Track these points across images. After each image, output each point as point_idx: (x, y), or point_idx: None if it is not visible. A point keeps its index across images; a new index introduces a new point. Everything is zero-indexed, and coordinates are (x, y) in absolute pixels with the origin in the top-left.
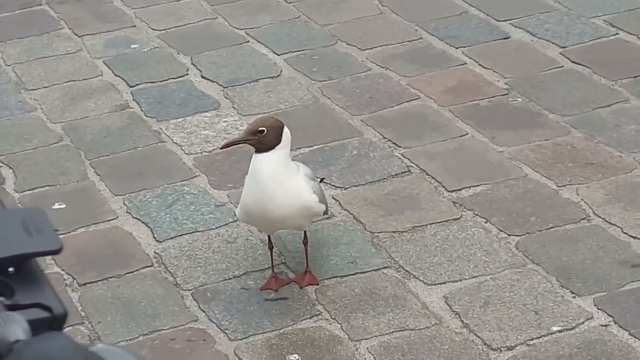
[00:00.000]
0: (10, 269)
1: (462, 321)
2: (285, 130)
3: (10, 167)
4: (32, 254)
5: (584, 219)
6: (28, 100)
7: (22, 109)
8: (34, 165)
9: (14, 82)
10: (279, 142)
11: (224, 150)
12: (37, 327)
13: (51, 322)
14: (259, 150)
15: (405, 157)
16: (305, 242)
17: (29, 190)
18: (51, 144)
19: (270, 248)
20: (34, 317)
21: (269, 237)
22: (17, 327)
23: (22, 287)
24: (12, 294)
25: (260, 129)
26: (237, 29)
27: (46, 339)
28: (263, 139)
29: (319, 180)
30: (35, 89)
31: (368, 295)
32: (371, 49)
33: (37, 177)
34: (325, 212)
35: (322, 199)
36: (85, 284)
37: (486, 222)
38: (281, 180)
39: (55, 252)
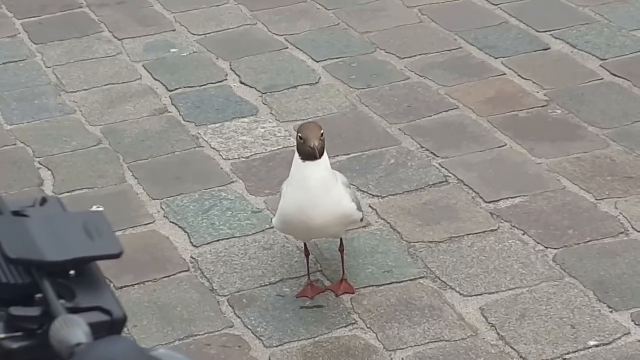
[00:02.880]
0: (72, 272)
1: (498, 334)
2: None
3: (49, 169)
4: (94, 257)
5: (622, 233)
6: (68, 102)
7: (61, 111)
8: (73, 168)
9: (54, 84)
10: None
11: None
12: (97, 331)
13: (111, 326)
14: (309, 157)
15: (443, 167)
16: (341, 250)
17: (67, 192)
18: (90, 147)
19: (307, 255)
20: (95, 321)
21: (305, 244)
22: (78, 330)
23: (83, 290)
24: (73, 297)
25: (322, 132)
26: (276, 35)
27: (109, 342)
28: (323, 142)
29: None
30: (74, 92)
31: (404, 306)
32: (410, 57)
33: (75, 179)
34: (362, 220)
35: (360, 207)
36: (122, 287)
37: (524, 235)
38: (327, 188)
39: (116, 257)
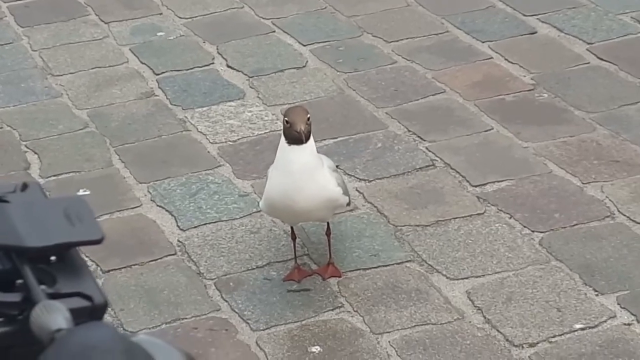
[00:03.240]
0: (52, 258)
1: (484, 317)
2: None
3: (35, 153)
4: (74, 243)
5: (608, 216)
6: (54, 86)
7: (48, 95)
8: (59, 151)
9: (41, 67)
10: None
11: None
12: (77, 316)
13: (91, 311)
14: (295, 141)
15: (429, 151)
16: (328, 234)
17: (53, 176)
18: (76, 130)
19: (294, 239)
20: (75, 306)
21: (292, 228)
22: (58, 316)
23: (64, 276)
24: (54, 283)
25: (308, 116)
26: (263, 18)
27: (89, 328)
28: (309, 126)
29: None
30: (61, 75)
31: (390, 289)
32: (397, 41)
33: (62, 163)
34: (348, 204)
35: (346, 191)
36: (108, 271)
37: (510, 218)
38: (312, 172)
39: (97, 242)
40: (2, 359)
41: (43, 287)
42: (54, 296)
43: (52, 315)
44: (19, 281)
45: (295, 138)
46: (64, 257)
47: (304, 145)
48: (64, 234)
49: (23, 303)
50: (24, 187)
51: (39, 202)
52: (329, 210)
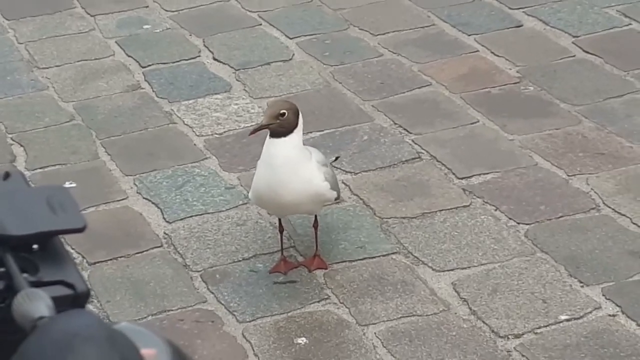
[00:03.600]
0: (35, 246)
1: (470, 308)
2: (300, 114)
3: (21, 145)
4: (57, 231)
5: (593, 208)
6: (40, 78)
7: (34, 87)
8: (45, 144)
9: (26, 60)
10: (296, 125)
11: (251, 135)
12: (60, 304)
13: (74, 300)
14: (276, 134)
15: (415, 144)
16: (315, 226)
17: (39, 168)
18: (62, 123)
19: (281, 231)
20: (58, 294)
21: (279, 220)
22: (41, 304)
23: (46, 264)
24: (36, 271)
25: (282, 111)
26: (249, 11)
27: (70, 315)
28: (284, 122)
29: (334, 158)
30: (47, 68)
31: (376, 281)
32: (383, 34)
33: (48, 155)
34: (337, 198)
35: (334, 186)
36: (94, 263)
37: (496, 210)
38: (295, 166)
39: (80, 230)
40: None
41: (25, 275)
42: (36, 284)
43: (34, 303)
44: (1, 269)
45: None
46: (46, 246)
47: (286, 138)
48: (46, 222)
49: (5, 291)
50: (6, 175)
51: (21, 191)
52: (316, 204)
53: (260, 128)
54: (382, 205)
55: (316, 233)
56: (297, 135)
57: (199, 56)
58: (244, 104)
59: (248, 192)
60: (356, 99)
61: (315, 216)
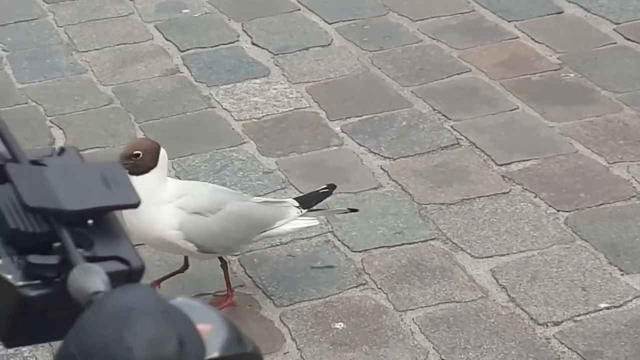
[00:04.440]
0: (90, 221)
1: (508, 295)
2: (162, 152)
3: (60, 128)
4: (112, 207)
5: (634, 196)
6: (79, 62)
7: (73, 71)
8: (84, 127)
9: (66, 43)
10: (154, 165)
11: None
12: (115, 280)
13: (128, 275)
14: (132, 172)
15: (455, 130)
16: (222, 267)
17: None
18: (101, 106)
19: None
20: (112, 270)
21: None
22: (96, 279)
23: (101, 240)
24: (91, 246)
25: (135, 152)
26: None
27: (127, 290)
28: (138, 162)
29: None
30: (86, 51)
31: (414, 267)
32: (422, 20)
33: (87, 138)
34: (205, 252)
35: (198, 237)
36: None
37: (535, 197)
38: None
39: (134, 206)
40: (39, 321)
41: (80, 250)
42: (91, 259)
43: (90, 278)
44: (56, 244)
45: None
46: (101, 221)
47: (139, 177)
48: (101, 198)
49: (60, 265)
50: (61, 151)
51: (76, 166)
52: (176, 249)
53: (132, 169)
54: (421, 191)
55: (225, 273)
56: (152, 175)
57: (238, 41)
58: (283, 88)
59: (286, 177)
60: (395, 84)
61: (221, 257)
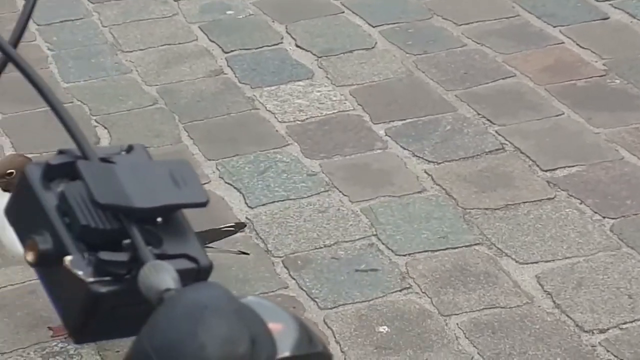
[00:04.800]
0: (159, 219)
1: (554, 301)
2: None
3: (105, 127)
4: (180, 205)
5: None
6: (124, 62)
7: (117, 71)
8: (129, 127)
9: (110, 43)
10: None
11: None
12: (183, 278)
13: (197, 274)
14: (5, 189)
15: (499, 135)
16: None
17: None
18: (146, 106)
19: None
20: (181, 267)
21: None
22: (167, 276)
23: (169, 238)
24: (160, 244)
25: (8, 171)
26: None
27: (199, 288)
28: (11, 180)
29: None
30: (131, 51)
31: (459, 271)
32: (467, 24)
33: (131, 138)
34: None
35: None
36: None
37: (580, 204)
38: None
39: (203, 205)
40: (108, 318)
41: (150, 247)
42: (160, 257)
43: (161, 275)
44: (126, 241)
45: None
46: (170, 219)
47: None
48: (170, 196)
49: (131, 262)
50: (130, 148)
51: (144, 164)
52: None
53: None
54: (465, 195)
55: None
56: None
57: (282, 43)
58: (327, 91)
59: (330, 180)
60: (439, 88)
61: None
